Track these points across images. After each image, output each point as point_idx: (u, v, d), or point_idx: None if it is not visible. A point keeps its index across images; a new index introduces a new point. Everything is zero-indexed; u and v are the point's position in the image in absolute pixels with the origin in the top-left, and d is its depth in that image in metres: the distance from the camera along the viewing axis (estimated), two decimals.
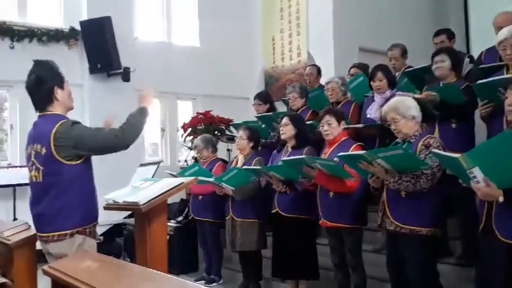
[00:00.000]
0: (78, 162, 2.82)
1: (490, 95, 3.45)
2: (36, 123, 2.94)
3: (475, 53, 5.56)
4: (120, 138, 2.82)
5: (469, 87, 3.85)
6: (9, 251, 2.89)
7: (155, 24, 8.60)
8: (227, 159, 6.47)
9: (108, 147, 2.87)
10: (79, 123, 2.87)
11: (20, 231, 3.00)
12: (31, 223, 3.06)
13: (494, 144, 2.57)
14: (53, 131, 2.76)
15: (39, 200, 2.84)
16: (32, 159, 2.84)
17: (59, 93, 2.88)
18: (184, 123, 7.23)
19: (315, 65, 6.32)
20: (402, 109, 3.36)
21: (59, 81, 2.90)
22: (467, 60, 4.72)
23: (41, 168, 2.79)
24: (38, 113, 2.94)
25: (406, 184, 3.20)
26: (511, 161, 2.48)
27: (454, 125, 3.95)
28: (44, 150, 2.77)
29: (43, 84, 2.85)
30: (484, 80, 3.56)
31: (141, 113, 2.97)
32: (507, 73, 3.62)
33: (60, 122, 2.80)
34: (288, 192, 4.28)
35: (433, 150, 3.02)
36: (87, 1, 7.50)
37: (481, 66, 4.28)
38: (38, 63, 2.92)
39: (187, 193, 6.14)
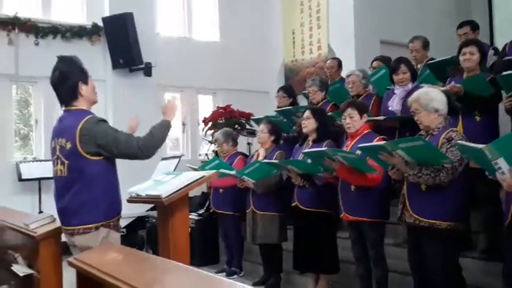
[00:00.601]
0: (102, 158, 2.83)
1: None
2: (61, 117, 2.97)
3: (499, 44, 5.45)
4: (142, 150, 2.83)
5: (493, 80, 3.78)
6: (35, 243, 2.93)
7: (176, 19, 8.63)
8: (247, 153, 6.48)
9: (129, 155, 2.86)
10: (105, 121, 2.88)
11: (45, 224, 3.03)
12: (56, 216, 3.08)
13: None
14: (79, 127, 2.77)
15: (64, 193, 2.86)
16: (57, 153, 2.86)
17: (83, 88, 2.90)
18: (204, 118, 7.25)
19: (336, 58, 6.27)
20: (424, 101, 3.31)
21: (83, 76, 2.92)
22: (491, 52, 4.63)
23: (66, 162, 2.81)
24: (63, 108, 2.96)
25: (426, 177, 3.16)
26: None
27: (478, 118, 3.88)
28: (68, 145, 2.79)
29: (67, 80, 2.87)
30: (509, 72, 3.50)
31: (164, 126, 2.97)
32: None
33: (86, 118, 2.81)
34: (307, 186, 4.28)
35: (459, 142, 2.97)
36: None
37: (506, 58, 4.19)
38: (61, 59, 2.94)
39: (208, 186, 6.17)
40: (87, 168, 2.79)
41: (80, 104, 2.91)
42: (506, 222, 2.78)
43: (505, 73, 3.52)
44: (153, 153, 2.93)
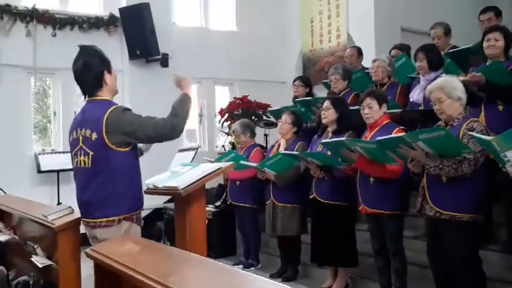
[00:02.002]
0: (127, 149, 2.79)
1: None
2: (84, 108, 2.93)
3: None
4: (170, 129, 2.79)
5: None
6: (54, 235, 2.95)
7: (192, 9, 8.62)
8: (264, 145, 6.48)
9: (158, 136, 2.83)
10: (130, 110, 2.85)
11: (63, 215, 3.04)
12: (75, 207, 3.10)
13: None
14: (105, 117, 2.72)
15: (87, 185, 2.82)
16: (80, 144, 2.81)
17: (107, 77, 2.87)
18: (221, 109, 7.26)
19: (356, 46, 6.20)
20: (448, 88, 3.27)
21: (107, 65, 2.88)
22: None
23: (91, 153, 2.76)
24: (86, 99, 2.93)
25: (448, 169, 3.13)
26: None
27: (500, 107, 3.81)
28: (94, 136, 2.74)
29: (91, 69, 2.82)
30: None
31: (185, 100, 2.91)
32: None
33: (111, 108, 2.76)
34: (326, 178, 4.27)
35: (470, 132, 2.93)
36: None
37: None
38: (84, 49, 2.89)
39: (225, 178, 6.20)
40: (113, 159, 2.75)
41: (104, 94, 2.87)
42: None
43: None
44: (182, 131, 2.88)
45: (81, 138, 2.81)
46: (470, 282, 3.24)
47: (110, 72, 2.89)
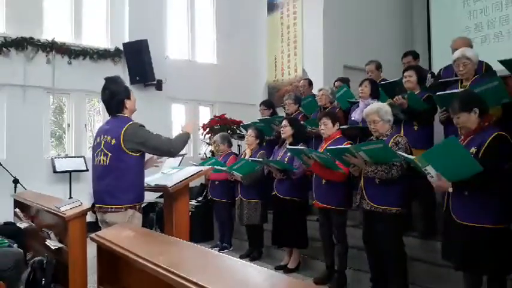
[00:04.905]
0: (137, 154, 2.84)
1: (447, 104, 3.40)
2: (109, 121, 2.99)
3: (436, 69, 5.50)
4: (173, 148, 2.91)
5: (430, 97, 3.81)
6: (65, 223, 2.89)
7: (182, 46, 8.56)
8: (237, 153, 6.45)
9: (163, 151, 2.94)
10: (144, 126, 2.91)
11: (73, 207, 2.99)
12: (84, 201, 3.07)
13: (442, 147, 2.56)
14: (124, 128, 2.80)
15: (103, 178, 2.84)
16: (102, 147, 2.85)
17: (128, 103, 2.95)
18: (204, 124, 7.21)
19: (308, 79, 6.26)
20: (382, 112, 3.33)
21: (127, 93, 2.95)
22: (429, 75, 4.68)
23: (109, 154, 2.81)
24: (110, 115, 2.99)
25: (381, 173, 3.18)
26: (456, 160, 2.47)
27: (415, 127, 3.89)
28: (113, 141, 2.80)
29: (115, 97, 2.91)
30: (442, 92, 3.53)
31: (185, 136, 3.05)
32: (460, 86, 3.59)
33: (129, 123, 2.84)
34: (285, 179, 4.26)
35: (399, 153, 2.99)
36: (128, 27, 7.54)
37: (440, 80, 4.23)
38: (109, 80, 2.96)
39: (206, 179, 6.13)
40: (126, 160, 2.80)
41: (125, 113, 2.96)
42: (443, 209, 2.80)
43: (439, 93, 3.55)
44: (177, 153, 3.01)
45: (103, 142, 2.86)
46: (395, 261, 3.28)
47: (129, 98, 2.96)
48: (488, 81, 3.26)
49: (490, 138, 2.56)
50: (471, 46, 4.15)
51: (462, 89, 3.44)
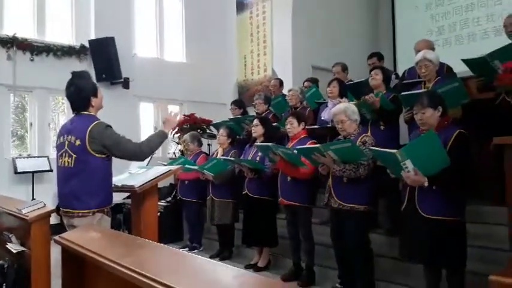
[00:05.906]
0: (103, 156, 2.71)
1: (411, 104, 3.51)
2: (73, 119, 2.82)
3: (401, 70, 5.66)
4: (141, 153, 2.78)
5: (395, 98, 3.91)
6: (28, 225, 2.77)
7: (150, 43, 8.42)
8: (208, 153, 6.41)
9: (130, 156, 2.79)
10: (110, 127, 2.77)
11: (36, 209, 2.87)
12: (47, 202, 2.95)
13: (421, 141, 2.64)
14: (89, 129, 2.65)
15: (68, 181, 2.70)
16: (66, 147, 2.72)
17: (94, 100, 2.80)
18: None
19: (278, 79, 6.31)
20: (349, 112, 3.38)
21: (94, 90, 2.81)
22: (394, 76, 4.79)
23: (74, 156, 2.67)
24: (74, 113, 2.82)
25: (349, 172, 3.23)
26: (431, 154, 2.56)
27: (382, 127, 3.98)
28: (78, 142, 2.66)
29: (81, 93, 2.76)
30: (407, 92, 3.64)
31: (161, 136, 2.88)
32: (424, 87, 3.70)
33: (95, 123, 2.69)
34: (255, 178, 4.27)
35: (372, 148, 3.05)
36: (94, 23, 7.32)
37: (404, 81, 4.35)
38: (75, 75, 2.80)
39: (175, 178, 6.05)
40: (92, 162, 2.66)
41: (90, 111, 2.81)
42: (402, 207, 2.88)
43: (403, 93, 3.66)
44: (147, 157, 2.87)
45: (66, 143, 2.72)
46: (362, 257, 3.35)
47: (96, 96, 2.82)
48: (450, 82, 3.39)
49: (454, 135, 2.67)
50: (433, 48, 4.30)
51: (426, 90, 3.55)
